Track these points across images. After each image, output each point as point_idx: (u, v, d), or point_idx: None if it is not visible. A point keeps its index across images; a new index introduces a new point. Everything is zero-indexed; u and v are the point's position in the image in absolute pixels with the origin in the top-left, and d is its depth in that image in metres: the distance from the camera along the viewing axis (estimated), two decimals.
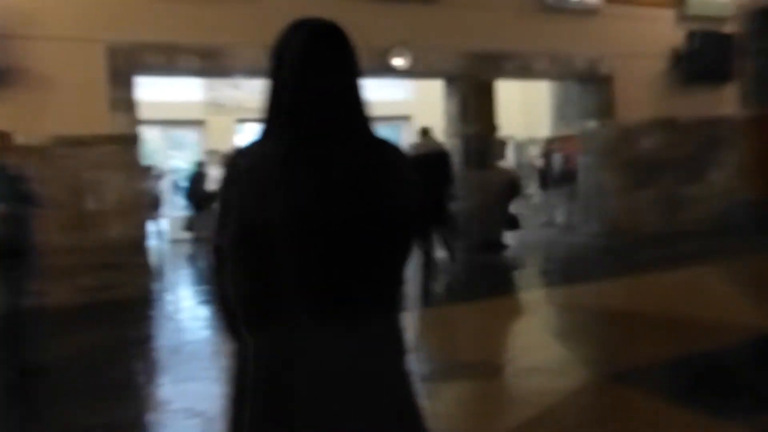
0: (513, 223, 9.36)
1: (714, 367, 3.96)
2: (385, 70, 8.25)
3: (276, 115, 1.46)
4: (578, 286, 6.84)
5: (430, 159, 7.26)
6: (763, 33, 10.81)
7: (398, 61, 8.14)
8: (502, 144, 9.20)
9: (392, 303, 1.46)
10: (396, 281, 1.46)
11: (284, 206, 1.36)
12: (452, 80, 8.86)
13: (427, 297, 6.48)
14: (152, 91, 12.35)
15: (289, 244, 1.35)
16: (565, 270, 7.93)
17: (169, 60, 7.33)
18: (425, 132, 7.81)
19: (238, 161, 1.45)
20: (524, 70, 9.04)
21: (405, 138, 15.16)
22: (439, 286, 6.97)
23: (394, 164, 1.48)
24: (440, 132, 9.32)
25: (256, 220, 1.37)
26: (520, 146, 15.95)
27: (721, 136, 10.62)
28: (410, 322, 5.55)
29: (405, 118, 15.01)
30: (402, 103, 14.85)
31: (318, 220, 1.35)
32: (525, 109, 15.73)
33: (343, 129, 1.45)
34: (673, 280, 6.65)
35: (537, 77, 9.48)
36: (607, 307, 5.69)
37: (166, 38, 7.20)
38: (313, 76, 1.45)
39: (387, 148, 1.51)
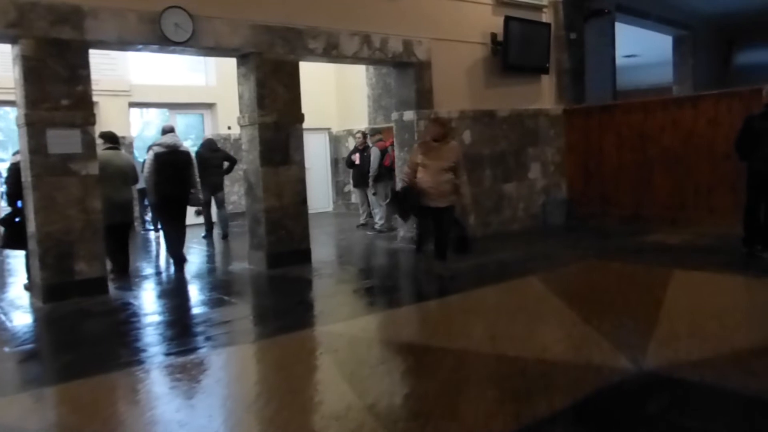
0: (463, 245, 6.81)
1: None
2: (158, 41, 6.58)
3: None
4: (390, 310, 5.67)
5: (170, 158, 7.48)
6: (575, 24, 10.48)
7: (171, 31, 6.51)
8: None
9: None
10: None
11: None
12: (245, 59, 7.38)
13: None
14: None
15: None
16: (376, 288, 6.70)
17: None
18: (166, 130, 7.82)
19: None
20: (331, 51, 7.77)
21: (208, 127, 13.47)
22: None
23: None
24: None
25: None
26: (337, 140, 14.83)
27: (540, 131, 10.13)
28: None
29: (208, 106, 13.28)
30: (204, 90, 13.13)
31: None
32: (342, 99, 14.61)
33: None
34: (497, 299, 5.71)
35: (346, 59, 8.23)
36: (425, 343, 4.55)
37: None
38: None
39: None
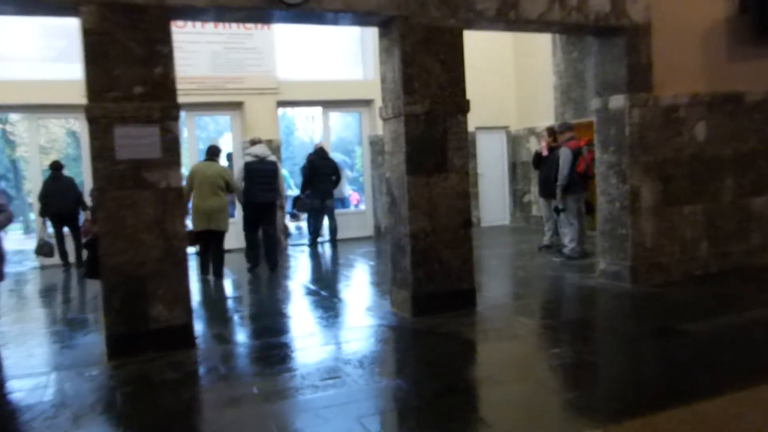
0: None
1: None
2: (266, 4, 4.82)
3: None
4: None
5: (259, 167, 8.01)
6: None
7: None
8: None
9: None
10: None
11: None
12: (387, 27, 5.43)
13: None
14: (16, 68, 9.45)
15: None
16: (572, 367, 4.27)
17: None
18: (255, 141, 8.39)
19: None
20: (507, 12, 5.58)
21: (366, 126, 11.83)
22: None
23: None
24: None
25: None
26: (516, 140, 12.49)
27: None
28: None
29: (366, 103, 11.61)
30: (361, 85, 11.46)
31: None
32: (522, 92, 12.25)
33: None
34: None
35: (530, 25, 5.95)
36: None
37: None
38: None
39: None
